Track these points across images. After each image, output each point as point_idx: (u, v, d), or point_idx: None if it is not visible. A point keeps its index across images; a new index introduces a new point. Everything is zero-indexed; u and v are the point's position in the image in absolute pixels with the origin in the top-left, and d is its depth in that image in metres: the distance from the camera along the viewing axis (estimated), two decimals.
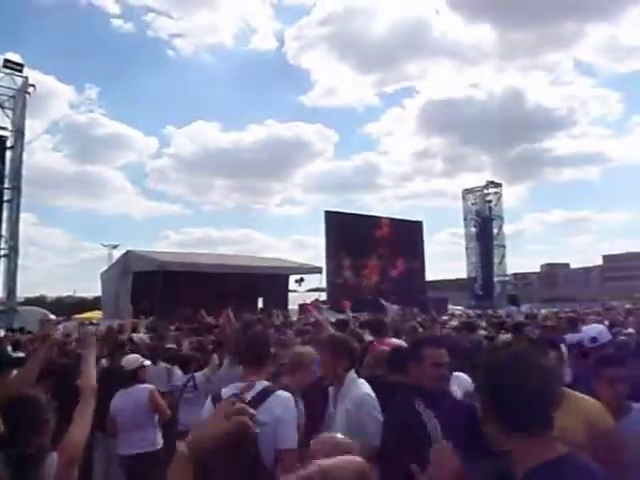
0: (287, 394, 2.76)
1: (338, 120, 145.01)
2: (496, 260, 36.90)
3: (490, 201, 37.24)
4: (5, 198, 19.27)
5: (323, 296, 25.83)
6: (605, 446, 2.47)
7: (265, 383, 2.77)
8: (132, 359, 4.83)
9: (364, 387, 3.11)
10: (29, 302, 31.40)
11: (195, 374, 5.43)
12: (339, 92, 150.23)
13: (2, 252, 19.20)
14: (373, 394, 3.06)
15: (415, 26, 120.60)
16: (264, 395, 2.66)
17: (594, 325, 4.58)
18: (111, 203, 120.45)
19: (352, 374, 3.17)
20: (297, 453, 2.57)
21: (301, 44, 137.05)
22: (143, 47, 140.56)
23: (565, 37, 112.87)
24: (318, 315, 7.37)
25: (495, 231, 37.00)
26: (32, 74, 20.71)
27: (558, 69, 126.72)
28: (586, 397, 2.70)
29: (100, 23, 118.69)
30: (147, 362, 4.97)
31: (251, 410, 1.33)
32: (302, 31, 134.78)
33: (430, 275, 36.05)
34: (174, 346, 6.97)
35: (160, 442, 4.68)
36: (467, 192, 38.07)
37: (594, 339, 4.12)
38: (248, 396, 2.65)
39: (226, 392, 2.76)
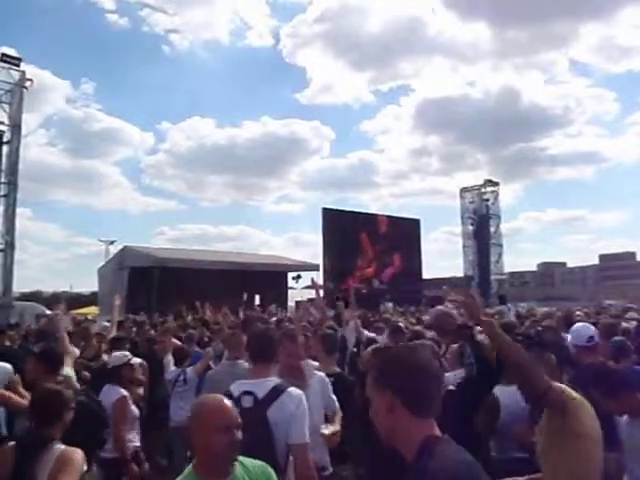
0: (298, 391, 2.77)
1: (334, 118, 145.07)
2: (493, 259, 36.89)
3: (487, 199, 37.22)
4: (1, 193, 19.19)
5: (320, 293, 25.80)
6: None
7: (276, 380, 2.77)
8: (118, 356, 4.64)
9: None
10: (25, 297, 31.27)
11: (187, 369, 5.43)
12: (335, 90, 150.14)
13: None
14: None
15: (410, 24, 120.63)
16: (276, 393, 2.67)
17: (585, 324, 4.55)
18: (107, 198, 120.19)
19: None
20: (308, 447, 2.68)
21: (296, 41, 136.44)
22: (139, 42, 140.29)
23: (560, 37, 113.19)
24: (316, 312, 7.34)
25: (492, 229, 37.02)
26: (28, 69, 20.59)
27: (553, 68, 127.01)
28: None
29: (95, 18, 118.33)
30: (136, 360, 4.87)
31: None
32: (297, 28, 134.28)
33: (426, 273, 36.07)
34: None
35: (135, 442, 4.42)
36: (464, 190, 38.06)
37: (591, 338, 4.11)
38: (260, 394, 2.67)
39: (236, 388, 2.75)
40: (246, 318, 7.50)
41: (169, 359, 5.99)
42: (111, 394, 4.35)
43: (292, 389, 2.75)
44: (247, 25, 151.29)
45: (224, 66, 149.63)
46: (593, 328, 4.33)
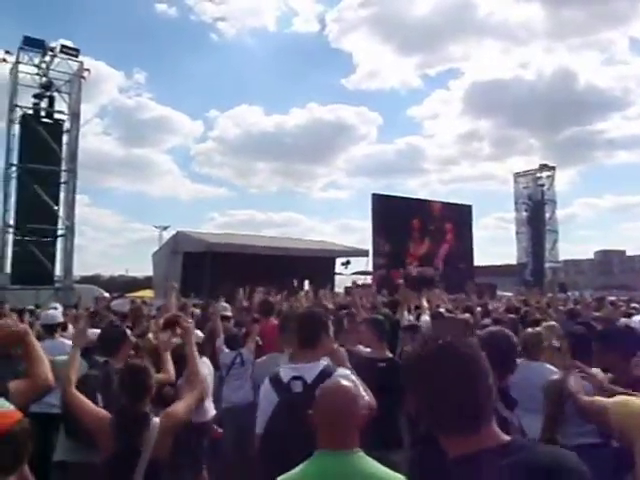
0: (346, 371, 2.77)
1: (381, 103, 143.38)
2: (548, 246, 35.85)
3: (543, 185, 36.11)
4: (62, 180, 19.94)
5: (369, 279, 25.75)
6: None
7: (324, 363, 2.77)
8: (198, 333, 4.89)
9: None
10: (85, 280, 32.54)
11: (242, 350, 5.51)
12: (382, 75, 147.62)
13: (59, 232, 19.89)
14: None
15: (459, 5, 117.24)
16: (325, 376, 2.65)
17: None
18: (159, 186, 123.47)
19: None
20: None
21: (342, 26, 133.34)
22: (187, 31, 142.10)
23: (619, 14, 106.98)
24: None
25: (547, 216, 35.93)
26: (85, 60, 21.15)
27: (612, 48, 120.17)
28: None
29: (146, 9, 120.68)
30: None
31: None
32: (343, 13, 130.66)
33: (477, 260, 35.35)
34: None
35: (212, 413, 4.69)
36: (519, 175, 37.05)
37: None
38: (309, 378, 2.67)
39: (285, 374, 2.77)
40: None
41: (222, 342, 6.05)
42: (208, 364, 4.64)
43: (340, 370, 2.75)
44: (293, 11, 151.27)
45: (271, 53, 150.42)
46: None
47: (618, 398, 2.39)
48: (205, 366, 4.60)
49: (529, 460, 1.20)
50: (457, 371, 1.24)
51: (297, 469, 1.96)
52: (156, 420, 2.87)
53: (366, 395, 2.90)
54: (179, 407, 3.03)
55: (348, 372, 2.77)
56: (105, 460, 2.84)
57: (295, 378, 2.69)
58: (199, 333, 5.01)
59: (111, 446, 2.79)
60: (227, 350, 5.65)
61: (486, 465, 1.19)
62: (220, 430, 4.92)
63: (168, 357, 4.10)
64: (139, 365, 3.11)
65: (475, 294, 9.59)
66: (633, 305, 9.45)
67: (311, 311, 3.57)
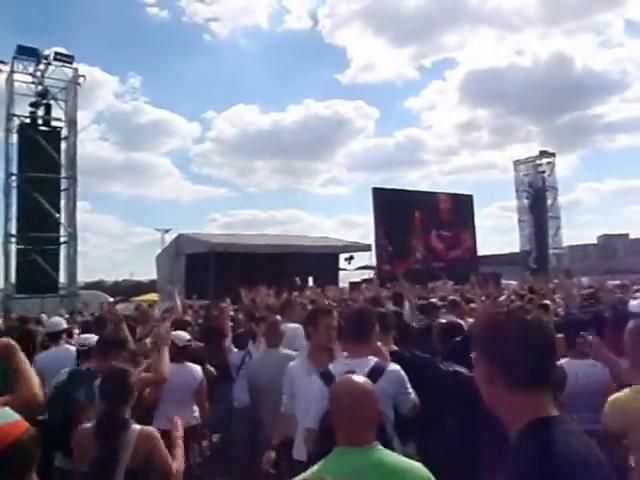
0: (396, 367, 2.84)
1: (377, 96, 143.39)
2: (551, 232, 35.82)
3: (543, 171, 36.00)
4: (62, 187, 19.96)
5: (373, 274, 25.76)
6: None
7: (374, 359, 2.81)
8: (181, 335, 4.83)
9: None
10: (89, 286, 32.62)
11: (249, 348, 5.50)
12: (377, 68, 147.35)
13: (62, 239, 19.91)
14: None
15: None
16: (378, 373, 2.68)
17: None
18: (159, 189, 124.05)
19: None
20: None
21: (335, 21, 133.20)
22: (180, 33, 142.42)
23: None
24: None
25: (549, 202, 35.85)
26: (79, 66, 21.09)
27: (608, 30, 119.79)
28: None
29: (137, 12, 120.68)
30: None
31: None
32: (335, 8, 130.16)
33: (480, 250, 35.29)
34: None
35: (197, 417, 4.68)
36: (519, 163, 36.95)
37: None
38: (361, 373, 2.68)
39: (336, 369, 2.78)
40: (285, 302, 7.37)
41: (229, 342, 6.04)
42: (193, 370, 4.61)
43: (391, 367, 2.81)
44: (285, 8, 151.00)
45: (265, 51, 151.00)
46: None
47: (609, 399, 2.51)
48: (187, 372, 4.59)
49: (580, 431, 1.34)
50: (539, 329, 1.36)
51: (317, 466, 1.93)
52: (136, 427, 2.80)
53: (413, 392, 2.92)
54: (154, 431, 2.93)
55: (398, 367, 2.79)
56: (88, 467, 2.79)
57: (347, 373, 2.70)
58: (186, 335, 4.97)
59: (92, 451, 2.74)
60: (235, 350, 5.65)
61: (560, 428, 1.28)
62: (215, 435, 4.91)
63: (166, 353, 4.04)
64: (118, 369, 3.05)
65: (479, 284, 9.55)
66: (636, 288, 9.38)
67: (364, 308, 3.59)
